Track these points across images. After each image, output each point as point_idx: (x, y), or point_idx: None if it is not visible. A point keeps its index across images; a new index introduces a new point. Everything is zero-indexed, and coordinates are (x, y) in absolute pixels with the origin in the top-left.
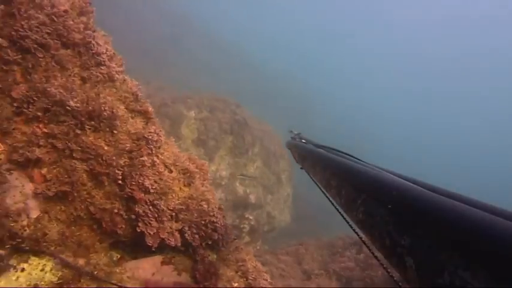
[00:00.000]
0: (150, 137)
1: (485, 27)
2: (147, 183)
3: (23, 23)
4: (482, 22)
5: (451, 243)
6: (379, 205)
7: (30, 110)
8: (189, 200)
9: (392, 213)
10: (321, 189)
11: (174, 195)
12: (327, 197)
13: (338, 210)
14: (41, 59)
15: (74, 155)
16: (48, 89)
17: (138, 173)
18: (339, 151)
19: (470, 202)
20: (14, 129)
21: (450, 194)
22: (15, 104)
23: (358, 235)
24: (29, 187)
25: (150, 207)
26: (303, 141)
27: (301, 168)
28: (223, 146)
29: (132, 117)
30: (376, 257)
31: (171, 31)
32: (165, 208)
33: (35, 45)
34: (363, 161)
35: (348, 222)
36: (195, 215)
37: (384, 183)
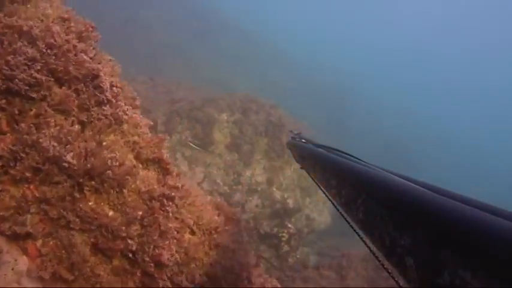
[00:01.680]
0: (166, 195)
1: None
2: (164, 256)
3: (8, 59)
4: None
5: (451, 243)
6: (379, 205)
7: (17, 169)
8: (217, 267)
9: (393, 213)
10: (321, 189)
11: (198, 264)
12: (327, 196)
13: (338, 210)
14: (29, 103)
15: (71, 225)
16: (40, 141)
17: (153, 244)
18: (339, 151)
19: (471, 202)
20: (0, 191)
21: (450, 194)
22: None
23: (358, 235)
24: (23, 261)
25: (168, 282)
26: (303, 141)
27: (301, 168)
28: (258, 150)
29: (144, 168)
30: (376, 257)
31: (202, 26)
32: (187, 283)
33: (24, 87)
34: (363, 160)
35: (348, 222)
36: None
37: (384, 183)
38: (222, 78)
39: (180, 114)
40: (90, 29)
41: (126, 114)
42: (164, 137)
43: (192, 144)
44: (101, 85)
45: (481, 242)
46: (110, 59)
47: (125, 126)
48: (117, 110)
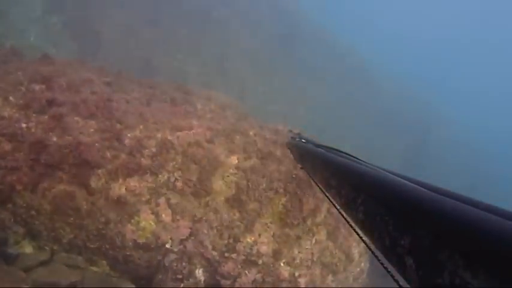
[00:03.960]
0: None
1: None
2: None
3: None
4: None
5: (451, 243)
6: (378, 205)
7: None
8: None
9: (392, 213)
10: (321, 189)
11: None
12: (327, 196)
13: (338, 210)
14: None
15: None
16: None
17: None
18: (339, 151)
19: (471, 202)
20: None
21: (450, 194)
22: None
23: (358, 235)
24: None
25: None
26: (303, 141)
27: (301, 168)
28: (269, 211)
29: None
30: (376, 257)
31: (284, 31)
32: None
33: None
34: (363, 161)
35: (348, 222)
36: None
37: (384, 183)
38: (291, 89)
39: (175, 147)
40: None
41: None
42: None
43: None
44: None
45: (481, 242)
46: None
47: None
48: None
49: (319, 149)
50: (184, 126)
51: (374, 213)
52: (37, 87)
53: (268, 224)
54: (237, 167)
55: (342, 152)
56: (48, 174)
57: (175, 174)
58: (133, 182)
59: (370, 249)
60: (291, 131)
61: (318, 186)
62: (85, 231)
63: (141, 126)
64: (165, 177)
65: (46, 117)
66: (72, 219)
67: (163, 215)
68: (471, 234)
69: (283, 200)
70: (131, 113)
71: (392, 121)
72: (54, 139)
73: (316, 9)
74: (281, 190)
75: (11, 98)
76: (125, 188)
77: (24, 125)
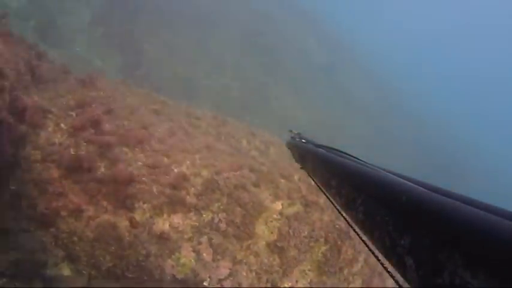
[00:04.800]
0: None
1: None
2: None
3: None
4: None
5: (451, 243)
6: (378, 205)
7: None
8: None
9: (392, 213)
10: (321, 189)
11: None
12: (327, 196)
13: (338, 210)
14: None
15: None
16: None
17: None
18: (339, 151)
19: (470, 202)
20: None
21: (450, 193)
22: None
23: (358, 235)
24: None
25: None
26: (303, 140)
27: (301, 168)
28: (308, 258)
29: None
30: (376, 257)
31: (328, 59)
32: None
33: None
34: (363, 160)
35: (348, 222)
36: None
37: (384, 183)
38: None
39: (221, 188)
40: None
41: None
42: None
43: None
44: None
45: (481, 242)
46: None
47: None
48: None
49: (320, 149)
50: (230, 166)
51: (374, 213)
52: (87, 114)
53: (306, 271)
54: (280, 213)
55: (342, 152)
56: (94, 203)
57: (219, 215)
58: (177, 219)
59: (370, 249)
60: (291, 131)
61: (318, 186)
62: (125, 261)
63: (188, 162)
64: (209, 217)
65: (96, 146)
66: (113, 248)
67: (204, 254)
68: (471, 234)
69: (323, 248)
70: (178, 146)
71: (433, 160)
72: (102, 169)
73: (363, 40)
74: (322, 239)
75: (62, 124)
76: (169, 224)
77: (73, 153)
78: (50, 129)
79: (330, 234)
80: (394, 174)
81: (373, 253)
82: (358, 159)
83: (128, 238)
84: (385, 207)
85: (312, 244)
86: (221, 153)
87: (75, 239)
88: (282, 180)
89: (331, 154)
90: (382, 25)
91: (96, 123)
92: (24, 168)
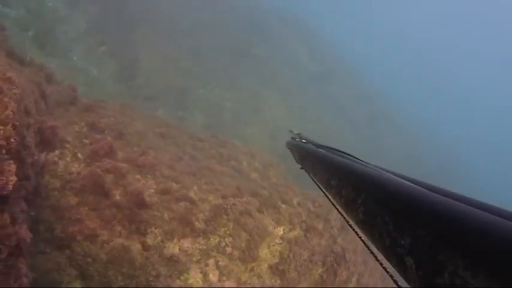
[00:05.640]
0: None
1: None
2: None
3: None
4: None
5: (451, 243)
6: (379, 205)
7: None
8: None
9: (392, 213)
10: (321, 189)
11: None
12: (327, 196)
13: (338, 210)
14: None
15: None
16: None
17: None
18: (339, 151)
19: (470, 202)
20: None
21: (450, 194)
22: None
23: (358, 235)
24: None
25: None
26: (303, 141)
27: (301, 168)
28: (307, 280)
29: None
30: (376, 257)
31: (319, 69)
32: None
33: None
34: (363, 160)
35: (348, 222)
36: None
37: (384, 183)
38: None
39: (228, 214)
40: None
41: None
42: None
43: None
44: None
45: (481, 242)
46: None
47: None
48: None
49: (320, 149)
50: (234, 191)
51: (374, 213)
52: (99, 143)
53: None
54: (282, 237)
55: (342, 152)
56: (109, 228)
57: (226, 239)
58: (186, 243)
59: (369, 249)
60: (291, 131)
61: (318, 186)
62: (135, 281)
63: (195, 188)
64: (216, 240)
65: (111, 174)
66: (125, 269)
67: (210, 275)
68: (471, 234)
69: (320, 270)
70: (186, 171)
71: (416, 171)
72: (118, 197)
73: (353, 52)
74: (320, 262)
75: (79, 154)
76: (178, 248)
77: (90, 182)
78: (68, 158)
79: (327, 258)
80: (394, 174)
81: (372, 253)
82: (358, 159)
83: (139, 260)
84: (385, 207)
85: (310, 267)
86: (225, 177)
87: (89, 260)
88: (283, 206)
89: (331, 154)
90: (371, 31)
91: (110, 152)
92: (43, 195)
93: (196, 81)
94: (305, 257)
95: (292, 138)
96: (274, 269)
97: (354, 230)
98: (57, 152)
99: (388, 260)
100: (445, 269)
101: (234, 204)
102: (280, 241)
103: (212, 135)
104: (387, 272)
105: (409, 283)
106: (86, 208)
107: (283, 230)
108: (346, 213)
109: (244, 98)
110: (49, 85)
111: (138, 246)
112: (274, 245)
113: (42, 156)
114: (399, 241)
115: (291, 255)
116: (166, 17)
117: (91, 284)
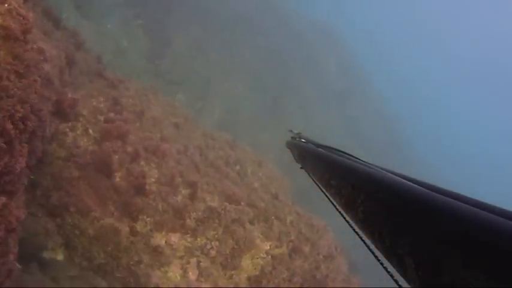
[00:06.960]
0: None
1: None
2: None
3: None
4: None
5: (451, 243)
6: (379, 205)
7: None
8: None
9: (392, 213)
10: (321, 189)
11: None
12: (327, 196)
13: (338, 210)
14: None
15: None
16: None
17: None
18: (339, 151)
19: (471, 202)
20: None
21: (450, 193)
22: None
23: (358, 235)
24: None
25: None
26: (303, 140)
27: (301, 168)
28: None
29: None
30: (376, 257)
31: (343, 86)
32: None
33: None
34: (363, 160)
35: (348, 222)
36: None
37: (384, 183)
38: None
39: (220, 218)
40: None
41: None
42: None
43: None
44: None
45: (481, 241)
46: None
47: None
48: None
49: (320, 149)
50: (232, 196)
51: (374, 213)
52: (113, 123)
53: None
54: (267, 252)
55: (342, 152)
56: (102, 207)
57: (212, 243)
58: (173, 238)
59: (369, 249)
60: (291, 130)
61: (318, 186)
62: (117, 262)
63: (196, 185)
64: (203, 242)
65: (117, 157)
66: (109, 248)
67: (190, 273)
68: (471, 234)
69: None
70: (191, 167)
71: None
72: (118, 179)
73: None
74: (298, 284)
75: (90, 130)
76: (165, 241)
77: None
78: (78, 132)
79: (307, 282)
80: (395, 174)
81: (372, 253)
82: (358, 159)
83: (125, 243)
84: (385, 207)
85: (288, 287)
86: (227, 179)
87: (77, 232)
88: (276, 222)
89: (331, 154)
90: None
91: (122, 134)
92: (46, 161)
93: (221, 74)
94: (285, 275)
95: (292, 137)
96: (252, 281)
97: (354, 230)
98: (70, 123)
99: (388, 260)
100: (445, 269)
101: (228, 210)
102: (265, 255)
103: (225, 136)
104: (387, 271)
105: (409, 283)
106: (86, 183)
107: (270, 246)
108: (346, 213)
109: (265, 101)
110: (77, 51)
111: (127, 229)
112: (257, 258)
113: (54, 125)
114: (399, 241)
115: (272, 272)
116: (205, 7)
117: (73, 254)
